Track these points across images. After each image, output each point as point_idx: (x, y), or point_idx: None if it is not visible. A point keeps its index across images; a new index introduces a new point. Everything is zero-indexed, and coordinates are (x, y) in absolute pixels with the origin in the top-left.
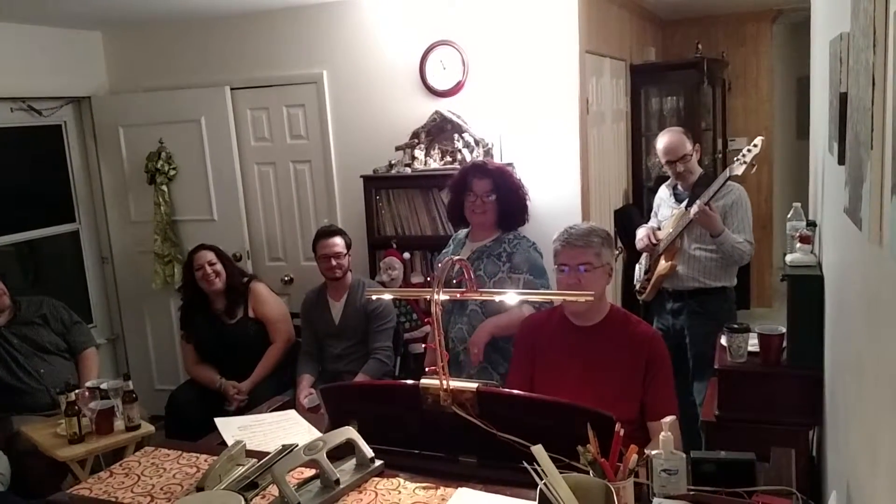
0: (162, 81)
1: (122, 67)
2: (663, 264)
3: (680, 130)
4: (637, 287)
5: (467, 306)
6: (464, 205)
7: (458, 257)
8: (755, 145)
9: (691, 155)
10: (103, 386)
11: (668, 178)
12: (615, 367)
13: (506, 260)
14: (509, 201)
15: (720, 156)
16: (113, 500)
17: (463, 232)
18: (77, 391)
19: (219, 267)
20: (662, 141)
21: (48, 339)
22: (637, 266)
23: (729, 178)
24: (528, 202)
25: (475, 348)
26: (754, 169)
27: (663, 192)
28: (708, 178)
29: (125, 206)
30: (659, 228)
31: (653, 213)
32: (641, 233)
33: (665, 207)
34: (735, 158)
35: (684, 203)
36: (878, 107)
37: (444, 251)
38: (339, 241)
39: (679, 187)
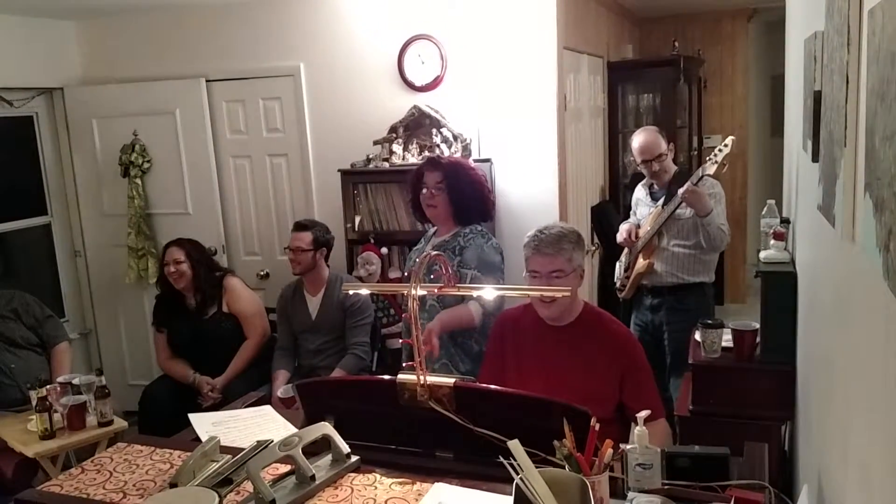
0: (136, 73)
1: (95, 58)
2: (641, 262)
3: (655, 130)
4: (617, 285)
5: (426, 301)
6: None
7: (435, 252)
8: (726, 145)
9: (666, 154)
10: (75, 381)
11: (643, 176)
12: (588, 367)
13: (458, 254)
14: (462, 195)
15: (695, 153)
16: (84, 496)
17: (433, 229)
18: (49, 386)
19: (184, 266)
20: (638, 140)
21: (19, 333)
22: (617, 264)
23: (701, 178)
24: (490, 196)
25: (428, 335)
26: (725, 168)
27: (640, 192)
28: (683, 175)
29: (98, 199)
30: (638, 226)
31: (631, 213)
32: (624, 227)
33: (643, 206)
34: (707, 158)
35: (661, 202)
36: (852, 105)
37: (416, 248)
38: (304, 236)
39: (655, 186)
